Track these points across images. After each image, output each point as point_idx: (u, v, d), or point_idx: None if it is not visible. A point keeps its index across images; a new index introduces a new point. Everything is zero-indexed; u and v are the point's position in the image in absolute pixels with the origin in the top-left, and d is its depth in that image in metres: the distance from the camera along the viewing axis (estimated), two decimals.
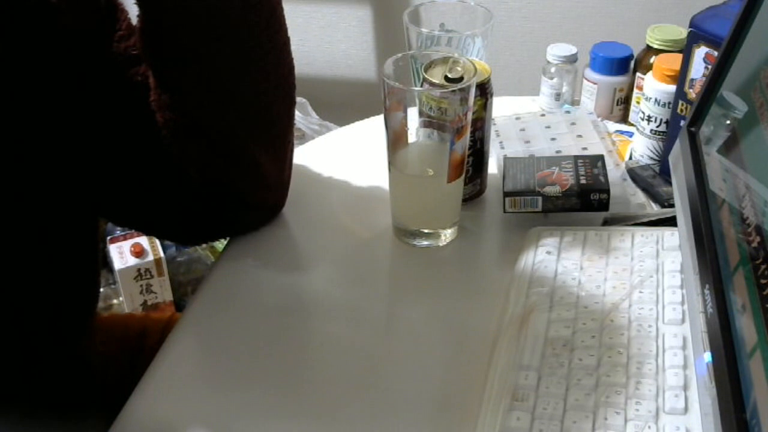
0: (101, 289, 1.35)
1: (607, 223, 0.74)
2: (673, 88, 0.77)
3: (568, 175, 0.74)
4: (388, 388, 0.60)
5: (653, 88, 0.79)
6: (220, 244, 0.85)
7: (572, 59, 0.91)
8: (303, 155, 0.87)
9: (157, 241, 1.60)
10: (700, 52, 0.72)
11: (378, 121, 0.74)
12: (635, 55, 0.90)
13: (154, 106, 0.65)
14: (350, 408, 0.59)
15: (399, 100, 0.68)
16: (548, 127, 0.88)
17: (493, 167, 0.81)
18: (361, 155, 0.87)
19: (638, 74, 0.89)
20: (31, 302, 0.66)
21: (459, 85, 0.66)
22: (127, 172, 0.68)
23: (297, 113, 1.69)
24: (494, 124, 0.88)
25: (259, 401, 0.60)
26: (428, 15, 0.81)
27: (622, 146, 0.86)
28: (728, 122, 0.58)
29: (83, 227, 0.71)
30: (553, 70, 0.92)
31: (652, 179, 0.79)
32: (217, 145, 0.66)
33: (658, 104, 0.79)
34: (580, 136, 0.86)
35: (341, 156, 0.89)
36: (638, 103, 0.86)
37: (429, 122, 0.69)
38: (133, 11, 0.64)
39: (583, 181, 0.73)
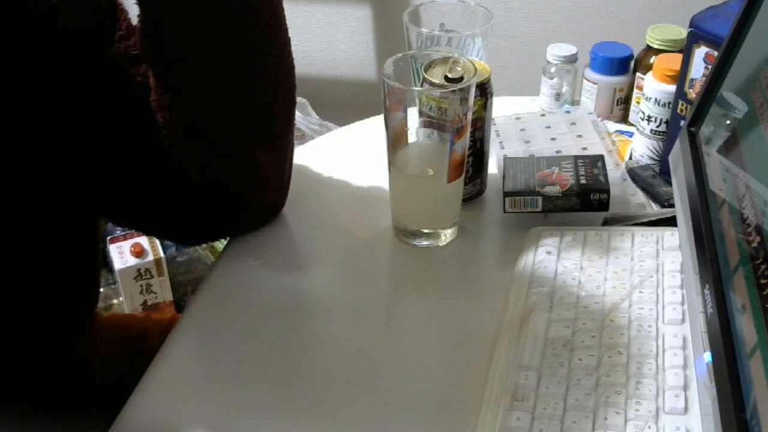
0: (101, 289, 1.35)
1: (607, 223, 0.74)
2: (673, 88, 0.77)
3: (568, 175, 0.74)
4: (388, 388, 0.60)
5: (653, 88, 0.79)
6: (220, 244, 0.85)
7: (572, 59, 0.91)
8: (303, 155, 0.87)
9: (157, 241, 1.60)
10: (700, 52, 0.72)
11: (378, 121, 0.74)
12: (635, 55, 0.90)
13: (155, 106, 0.65)
14: (350, 408, 0.59)
15: (399, 100, 0.68)
16: (548, 127, 0.88)
17: (493, 167, 0.81)
18: (361, 155, 0.87)
19: (638, 74, 0.89)
20: (31, 302, 0.66)
21: (459, 85, 0.66)
22: (127, 172, 0.68)
23: (297, 113, 1.69)
24: (494, 124, 0.88)
25: (259, 401, 0.60)
26: (428, 15, 0.81)
27: (622, 146, 0.86)
28: (728, 122, 0.58)
29: (83, 227, 0.71)
30: (553, 70, 0.92)
31: (652, 179, 0.79)
32: (217, 145, 0.66)
33: (658, 104, 0.79)
34: (580, 136, 0.86)
35: (341, 156, 0.89)
36: (638, 103, 0.86)
37: (429, 122, 0.69)
38: (133, 11, 0.64)
39: (583, 181, 0.73)
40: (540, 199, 0.73)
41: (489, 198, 0.80)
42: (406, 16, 0.79)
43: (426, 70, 0.69)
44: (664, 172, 0.79)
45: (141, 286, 1.57)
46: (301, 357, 0.64)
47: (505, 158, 0.78)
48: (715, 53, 0.69)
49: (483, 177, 0.79)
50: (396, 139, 0.70)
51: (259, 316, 0.67)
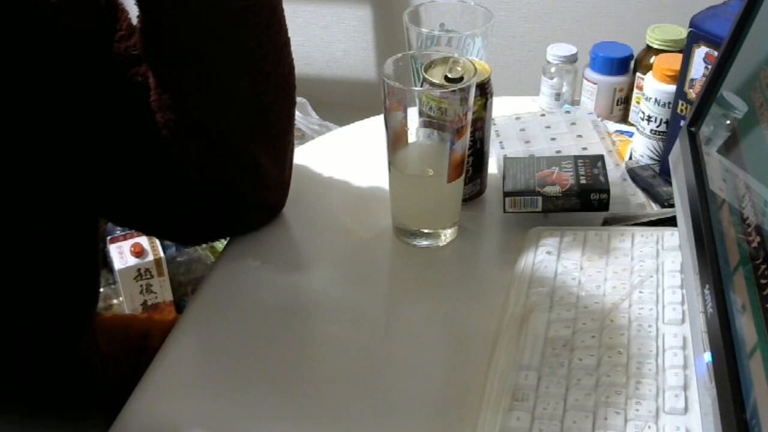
0: (101, 289, 1.35)
1: (607, 223, 0.74)
2: (673, 88, 0.77)
3: (568, 175, 0.74)
4: (388, 388, 0.60)
5: (653, 88, 0.79)
6: (220, 244, 0.85)
7: (572, 59, 0.91)
8: (303, 155, 0.87)
9: (157, 241, 1.60)
10: (700, 52, 0.72)
11: (378, 121, 0.74)
12: (635, 55, 0.90)
13: (154, 106, 0.65)
14: (350, 408, 0.59)
15: (399, 100, 0.68)
16: (548, 127, 0.88)
17: (493, 167, 0.81)
18: (361, 155, 0.87)
19: (638, 74, 0.89)
20: (31, 302, 0.66)
21: (459, 85, 0.66)
22: (127, 172, 0.68)
23: (297, 113, 1.69)
24: (494, 124, 0.88)
25: (259, 401, 0.60)
26: (428, 15, 0.81)
27: (622, 146, 0.86)
28: (728, 122, 0.58)
29: (83, 227, 0.71)
30: (553, 70, 0.92)
31: (652, 179, 0.79)
32: (217, 145, 0.66)
33: (658, 104, 0.79)
34: (580, 136, 0.86)
35: (341, 156, 0.89)
36: (638, 103, 0.86)
37: (429, 122, 0.69)
38: (133, 11, 0.64)
39: (583, 181, 0.73)
40: (540, 199, 0.73)
41: (489, 198, 0.80)
42: (406, 16, 0.79)
43: (426, 70, 0.69)
44: (664, 172, 0.79)
45: (141, 286, 1.57)
46: (301, 357, 0.64)
47: (505, 158, 0.78)
48: (715, 53, 0.69)
49: (483, 177, 0.79)
50: (396, 139, 0.70)
51: (259, 316, 0.67)
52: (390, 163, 0.72)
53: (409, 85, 0.74)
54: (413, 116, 0.69)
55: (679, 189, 0.64)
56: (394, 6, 1.77)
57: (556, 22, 1.69)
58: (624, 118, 0.92)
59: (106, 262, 1.59)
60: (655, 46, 0.87)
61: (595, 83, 0.90)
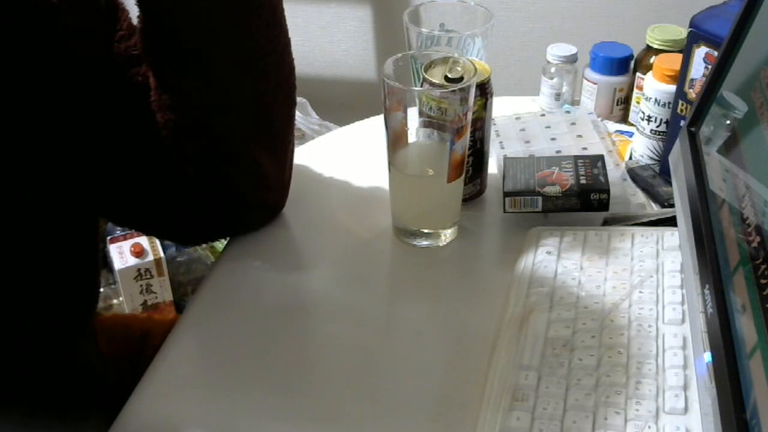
0: (101, 289, 1.35)
1: (607, 223, 0.74)
2: (673, 88, 0.77)
3: (568, 175, 0.74)
4: (388, 388, 0.60)
5: (653, 88, 0.79)
6: (220, 244, 0.85)
7: (572, 59, 0.91)
8: (303, 155, 0.87)
9: (157, 241, 1.60)
10: (700, 52, 0.72)
11: (378, 121, 0.74)
12: (635, 55, 0.90)
13: (155, 106, 0.65)
14: (350, 407, 0.59)
15: (399, 100, 0.68)
16: (548, 127, 0.88)
17: (493, 167, 0.81)
18: (361, 155, 0.87)
19: (638, 74, 0.89)
20: (31, 302, 0.66)
21: (459, 85, 0.66)
22: (127, 172, 0.68)
23: (297, 113, 1.69)
24: (494, 124, 0.88)
25: (259, 401, 0.60)
26: (428, 15, 0.81)
27: (622, 146, 0.86)
28: (728, 122, 0.58)
29: (83, 227, 0.71)
30: (553, 70, 0.92)
31: (652, 179, 0.79)
32: (217, 145, 0.66)
33: (658, 104, 0.79)
34: (580, 136, 0.86)
35: (341, 156, 0.89)
36: (638, 103, 0.86)
37: (429, 122, 0.69)
38: (133, 11, 0.64)
39: (583, 181, 0.73)
40: (540, 199, 0.73)
41: (489, 198, 0.80)
42: (406, 16, 0.79)
43: (426, 70, 0.69)
44: (664, 172, 0.79)
45: (141, 286, 1.57)
46: (301, 357, 0.64)
47: (505, 158, 0.78)
48: (715, 53, 0.69)
49: (483, 177, 0.79)
50: (396, 139, 0.70)
51: (259, 316, 0.67)
52: (390, 163, 0.72)
53: (409, 85, 0.74)
54: (413, 116, 0.69)
55: (679, 189, 0.64)
56: (394, 6, 1.77)
57: (556, 22, 1.69)
58: (624, 118, 0.92)
59: (106, 262, 1.59)
60: (655, 46, 0.87)
61: (595, 83, 0.90)
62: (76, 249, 0.71)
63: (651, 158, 0.82)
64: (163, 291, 1.59)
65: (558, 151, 0.84)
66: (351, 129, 0.95)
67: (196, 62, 0.62)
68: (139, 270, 1.56)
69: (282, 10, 0.65)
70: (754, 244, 0.48)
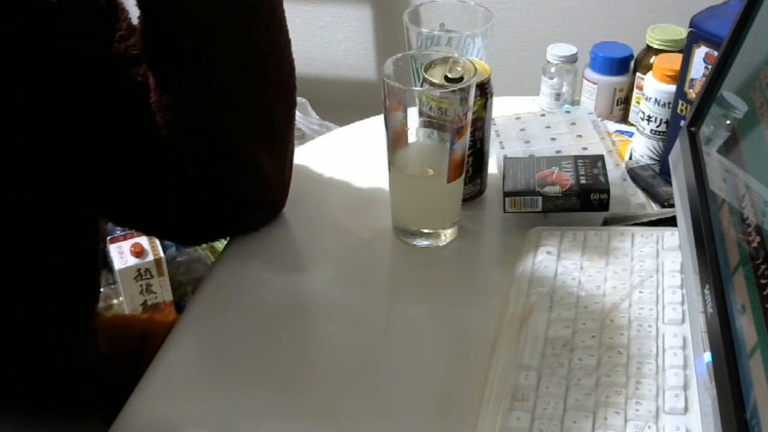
0: (101, 289, 1.35)
1: (607, 223, 0.74)
2: (673, 88, 0.77)
3: (568, 175, 0.74)
4: (388, 388, 0.60)
5: (653, 88, 0.79)
6: (220, 244, 0.85)
7: (572, 59, 0.91)
8: (303, 155, 0.87)
9: (157, 241, 1.60)
10: (700, 52, 0.72)
11: (378, 121, 0.74)
12: (635, 55, 0.90)
13: (155, 106, 0.65)
14: (350, 407, 0.59)
15: (399, 100, 0.68)
16: (548, 127, 0.88)
17: (493, 167, 0.81)
18: (361, 155, 0.87)
19: (638, 74, 0.89)
20: (31, 302, 0.66)
21: (459, 85, 0.66)
22: (127, 172, 0.68)
23: (297, 113, 1.69)
24: (494, 124, 0.88)
25: (259, 401, 0.60)
26: (428, 15, 0.81)
27: (622, 146, 0.86)
28: (728, 122, 0.58)
29: (83, 227, 0.71)
30: (553, 70, 0.92)
31: (652, 179, 0.79)
32: (217, 145, 0.66)
33: (658, 104, 0.79)
34: (580, 136, 0.86)
35: (341, 156, 0.89)
36: (638, 103, 0.86)
37: (429, 122, 0.69)
38: (133, 11, 0.64)
39: (583, 181, 0.73)
40: (540, 199, 0.73)
41: (489, 198, 0.80)
42: (406, 16, 0.79)
43: (426, 70, 0.69)
44: (664, 172, 0.79)
45: (141, 286, 1.57)
46: (301, 357, 0.64)
47: (505, 158, 0.78)
48: (715, 53, 0.69)
49: (483, 177, 0.79)
50: (396, 139, 0.70)
51: (259, 316, 0.67)
52: (390, 163, 0.72)
53: (409, 85, 0.74)
54: (413, 116, 0.69)
55: (679, 189, 0.64)
56: (394, 6, 1.77)
57: (556, 22, 1.69)
58: (624, 118, 0.92)
59: (106, 262, 1.59)
60: (655, 46, 0.87)
61: (595, 83, 0.90)
62: (76, 249, 0.71)
63: (651, 158, 0.82)
64: (163, 291, 1.59)
65: (558, 151, 0.84)
66: (351, 129, 0.95)
67: (196, 62, 0.62)
68: (139, 270, 1.56)
69: (282, 11, 0.65)
70: (754, 244, 0.48)
